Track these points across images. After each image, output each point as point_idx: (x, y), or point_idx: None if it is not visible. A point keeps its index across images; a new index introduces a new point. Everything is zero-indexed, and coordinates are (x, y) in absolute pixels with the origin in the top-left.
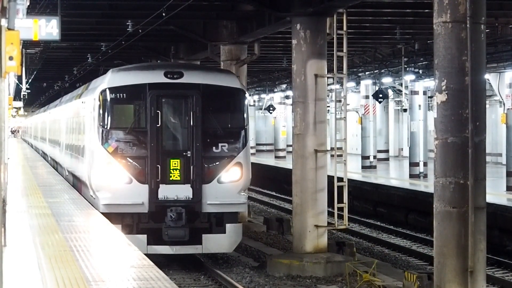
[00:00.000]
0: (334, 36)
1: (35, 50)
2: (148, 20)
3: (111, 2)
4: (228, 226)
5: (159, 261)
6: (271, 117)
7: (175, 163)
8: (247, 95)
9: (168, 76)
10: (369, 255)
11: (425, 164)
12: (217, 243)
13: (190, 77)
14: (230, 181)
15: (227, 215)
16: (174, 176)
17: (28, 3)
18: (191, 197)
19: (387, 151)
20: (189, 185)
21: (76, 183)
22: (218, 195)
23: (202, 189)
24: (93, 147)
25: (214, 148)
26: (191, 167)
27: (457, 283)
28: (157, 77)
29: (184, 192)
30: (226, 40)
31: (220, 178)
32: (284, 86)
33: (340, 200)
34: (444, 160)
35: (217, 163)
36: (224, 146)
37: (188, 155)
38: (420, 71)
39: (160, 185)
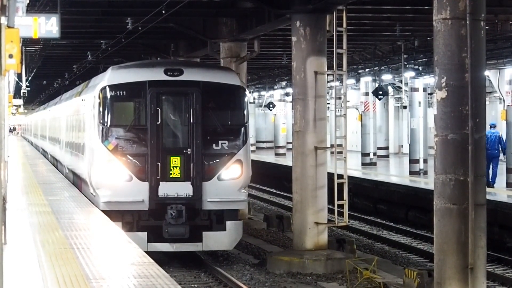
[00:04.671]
0: (334, 33)
1: (35, 47)
2: (147, 18)
3: (110, 0)
4: (228, 223)
5: (160, 258)
6: (271, 114)
7: (175, 161)
8: (247, 92)
9: (168, 73)
10: (369, 252)
11: (425, 161)
12: (217, 240)
13: (190, 75)
14: (231, 179)
15: (228, 212)
16: (174, 173)
17: (27, 1)
18: (191, 194)
19: (387, 148)
20: (189, 182)
21: (76, 181)
22: (218, 193)
23: (202, 186)
24: (93, 144)
25: (214, 145)
26: (191, 164)
27: (457, 280)
28: (157, 74)
29: (184, 189)
30: (226, 38)
31: (220, 175)
32: (284, 83)
33: (340, 197)
34: (444, 157)
35: (217, 160)
36: (224, 143)
37: (188, 152)
38: (420, 68)
39: (160, 182)
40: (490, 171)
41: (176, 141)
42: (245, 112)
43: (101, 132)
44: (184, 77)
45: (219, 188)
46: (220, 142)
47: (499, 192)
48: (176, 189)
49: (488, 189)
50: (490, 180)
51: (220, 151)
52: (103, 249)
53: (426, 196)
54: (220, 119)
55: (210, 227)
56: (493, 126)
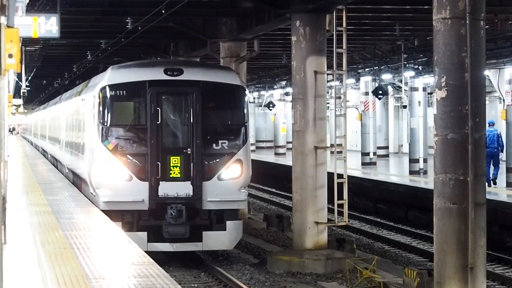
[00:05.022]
0: (334, 32)
1: (35, 47)
2: (147, 17)
3: None
4: (228, 223)
5: (159, 258)
6: (271, 114)
7: (175, 160)
8: (247, 92)
9: (168, 73)
10: (369, 251)
11: (425, 161)
12: (217, 240)
13: (190, 74)
14: (231, 178)
15: (228, 212)
16: (174, 173)
17: (27, 1)
18: (192, 194)
19: (387, 147)
20: (189, 182)
21: (76, 181)
22: (218, 192)
23: (202, 186)
24: (93, 144)
25: (214, 145)
26: (191, 164)
27: (457, 280)
28: (157, 74)
29: (184, 189)
30: (226, 37)
31: (221, 175)
32: (283, 83)
33: (340, 197)
34: (444, 156)
35: (217, 160)
36: (224, 143)
37: (188, 152)
38: (420, 68)
39: (160, 182)
40: (492, 169)
41: (176, 140)
42: (245, 111)
43: (101, 131)
44: (184, 76)
45: (219, 188)
46: (220, 141)
47: (499, 192)
48: (176, 188)
49: (488, 189)
50: (492, 177)
51: (220, 151)
52: (103, 248)
53: (426, 195)
54: (220, 118)
55: (210, 226)
56: (491, 124)
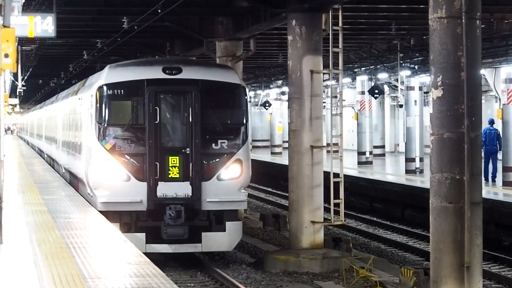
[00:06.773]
0: (330, 32)
1: (31, 47)
2: (143, 17)
3: None
4: (228, 224)
5: (156, 258)
6: (267, 113)
7: (174, 160)
8: (247, 90)
9: (167, 71)
10: (365, 250)
11: (421, 160)
12: (217, 241)
13: (188, 73)
14: (230, 178)
15: (227, 212)
16: (173, 173)
17: (23, 0)
18: (190, 194)
19: (383, 146)
20: (188, 182)
21: (73, 181)
22: (217, 193)
23: (201, 186)
24: (90, 144)
25: (213, 144)
26: (190, 164)
27: (454, 279)
28: (155, 73)
29: (183, 189)
30: (222, 36)
31: (220, 175)
32: (280, 82)
33: (336, 196)
34: (440, 155)
35: (216, 160)
36: (224, 142)
37: (187, 152)
38: (416, 67)
39: (159, 182)
40: (490, 167)
41: (174, 140)
42: (245, 110)
43: (98, 131)
44: (182, 75)
45: (218, 188)
46: (219, 141)
47: (495, 190)
48: (175, 189)
49: (484, 188)
50: (491, 175)
51: (220, 151)
52: (99, 248)
53: (422, 194)
54: (219, 118)
55: (209, 227)
56: (491, 122)
